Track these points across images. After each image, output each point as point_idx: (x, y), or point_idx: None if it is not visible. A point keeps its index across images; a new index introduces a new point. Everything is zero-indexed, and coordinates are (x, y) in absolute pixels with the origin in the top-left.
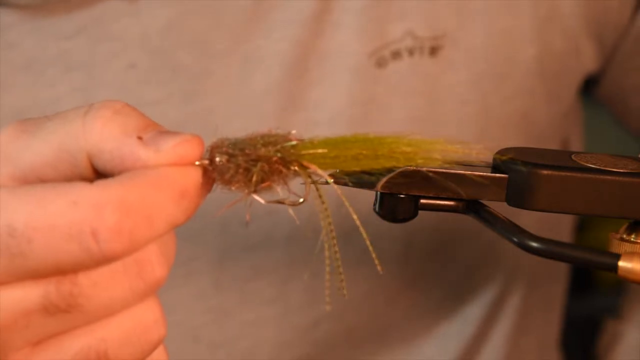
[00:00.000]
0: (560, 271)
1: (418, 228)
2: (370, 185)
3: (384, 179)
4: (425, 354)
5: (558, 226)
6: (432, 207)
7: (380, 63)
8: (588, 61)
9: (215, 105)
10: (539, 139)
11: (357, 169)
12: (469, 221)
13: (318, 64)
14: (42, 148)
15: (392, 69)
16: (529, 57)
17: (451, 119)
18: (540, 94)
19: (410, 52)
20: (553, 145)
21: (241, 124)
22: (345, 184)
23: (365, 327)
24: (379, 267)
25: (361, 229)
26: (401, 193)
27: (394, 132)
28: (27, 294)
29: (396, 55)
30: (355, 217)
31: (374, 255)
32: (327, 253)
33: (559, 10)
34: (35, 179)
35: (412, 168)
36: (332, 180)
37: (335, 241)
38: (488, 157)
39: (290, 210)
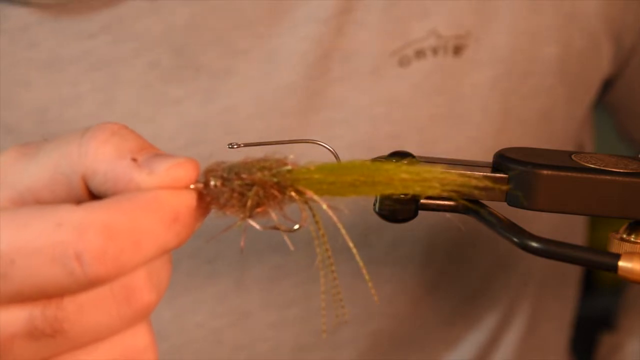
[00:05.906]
0: (572, 275)
1: (439, 230)
2: None
3: None
4: None
5: (571, 227)
6: (432, 207)
7: (403, 62)
8: (606, 63)
9: (237, 104)
10: (557, 141)
11: (354, 195)
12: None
13: (340, 63)
14: (39, 170)
15: (416, 68)
16: (550, 56)
17: (472, 118)
18: (560, 95)
19: (434, 51)
20: (569, 148)
21: (263, 123)
22: None
23: (389, 334)
24: (375, 297)
25: (350, 245)
26: (401, 193)
27: (392, 159)
28: (11, 318)
29: (420, 54)
30: (347, 238)
31: (367, 278)
32: (322, 280)
33: (581, 9)
34: (33, 202)
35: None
36: (326, 206)
37: (333, 267)
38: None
39: (286, 237)
